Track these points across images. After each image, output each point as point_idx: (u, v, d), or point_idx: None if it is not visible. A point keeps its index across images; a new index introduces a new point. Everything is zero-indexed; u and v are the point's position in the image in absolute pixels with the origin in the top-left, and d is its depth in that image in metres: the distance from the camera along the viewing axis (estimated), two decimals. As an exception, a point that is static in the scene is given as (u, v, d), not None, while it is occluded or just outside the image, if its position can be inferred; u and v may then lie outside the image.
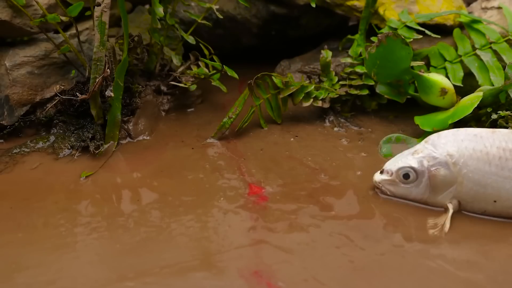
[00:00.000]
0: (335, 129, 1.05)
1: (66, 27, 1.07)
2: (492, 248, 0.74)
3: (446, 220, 0.78)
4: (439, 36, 1.09)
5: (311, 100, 1.04)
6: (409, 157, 0.83)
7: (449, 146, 0.80)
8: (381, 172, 0.85)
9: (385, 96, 1.06)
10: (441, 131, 0.85)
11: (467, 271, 0.70)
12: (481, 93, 0.95)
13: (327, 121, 1.08)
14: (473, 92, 0.99)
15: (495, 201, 0.79)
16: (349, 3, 1.17)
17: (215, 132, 1.01)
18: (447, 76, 1.05)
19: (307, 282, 0.67)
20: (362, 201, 0.84)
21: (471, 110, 0.93)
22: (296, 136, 1.02)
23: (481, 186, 0.78)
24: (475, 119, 1.00)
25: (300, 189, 0.86)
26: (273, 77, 1.04)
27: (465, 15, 1.12)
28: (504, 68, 1.01)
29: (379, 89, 1.06)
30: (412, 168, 0.81)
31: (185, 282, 0.68)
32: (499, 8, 1.13)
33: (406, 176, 0.82)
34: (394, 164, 0.83)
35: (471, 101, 0.94)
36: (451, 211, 0.79)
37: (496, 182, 0.78)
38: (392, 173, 0.83)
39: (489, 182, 0.78)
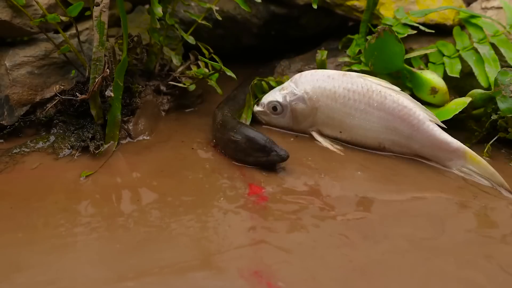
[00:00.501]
0: (335, 129, 1.05)
1: (66, 27, 1.07)
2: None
3: (325, 144, 0.97)
4: (433, 31, 1.09)
5: None
6: (276, 93, 1.01)
7: (306, 85, 0.98)
8: (257, 105, 1.03)
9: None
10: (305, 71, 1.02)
11: (467, 271, 0.70)
12: (468, 99, 0.98)
13: (327, 121, 1.08)
14: (473, 92, 1.00)
15: (340, 132, 0.98)
16: (349, 3, 1.17)
17: None
18: (444, 71, 1.06)
19: (307, 282, 0.67)
20: (361, 201, 0.84)
21: (451, 116, 0.95)
22: (296, 136, 1.02)
23: (330, 119, 0.97)
24: (475, 119, 1.00)
25: (300, 189, 0.86)
26: (269, 81, 1.06)
27: (463, 11, 1.12)
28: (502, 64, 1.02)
29: None
30: (278, 102, 1.00)
31: (185, 282, 0.68)
32: (499, 8, 1.13)
33: (274, 108, 1.00)
34: (266, 98, 1.02)
35: (456, 105, 0.97)
36: (316, 136, 0.99)
37: (341, 116, 0.96)
38: (264, 106, 1.01)
39: (335, 116, 0.97)
